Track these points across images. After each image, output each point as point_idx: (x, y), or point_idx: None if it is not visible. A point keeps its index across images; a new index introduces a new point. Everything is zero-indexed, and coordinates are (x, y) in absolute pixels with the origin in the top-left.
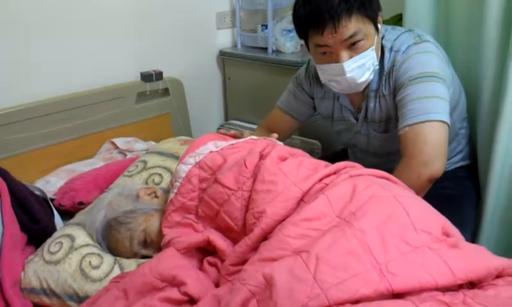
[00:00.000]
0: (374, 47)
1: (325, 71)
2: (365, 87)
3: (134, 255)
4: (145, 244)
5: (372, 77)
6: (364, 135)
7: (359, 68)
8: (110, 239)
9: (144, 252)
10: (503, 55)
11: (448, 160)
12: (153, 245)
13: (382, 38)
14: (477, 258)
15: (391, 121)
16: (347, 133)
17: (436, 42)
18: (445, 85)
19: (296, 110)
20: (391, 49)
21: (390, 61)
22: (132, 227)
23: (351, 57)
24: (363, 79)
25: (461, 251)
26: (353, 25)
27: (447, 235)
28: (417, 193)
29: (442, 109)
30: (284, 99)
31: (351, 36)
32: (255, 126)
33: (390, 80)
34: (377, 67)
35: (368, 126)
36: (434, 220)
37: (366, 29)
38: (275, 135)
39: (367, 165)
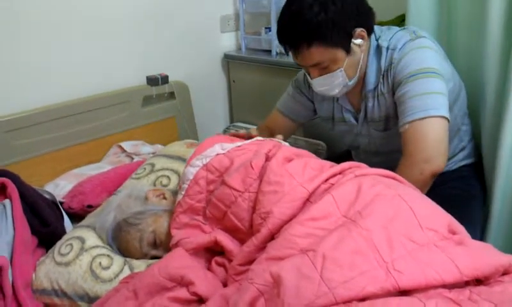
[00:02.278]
0: (342, 68)
1: (307, 77)
2: (362, 88)
3: (144, 256)
4: (155, 244)
5: (345, 90)
6: (365, 136)
7: (328, 84)
8: (120, 240)
9: (153, 252)
10: (506, 52)
11: (452, 158)
12: (163, 245)
13: (378, 39)
14: (484, 255)
15: (390, 119)
16: (349, 136)
17: (431, 37)
18: (443, 80)
19: (295, 112)
20: (387, 48)
21: (388, 60)
22: (141, 228)
23: (320, 74)
24: (333, 93)
25: (467, 248)
26: (315, 56)
27: (452, 232)
28: (421, 189)
29: (440, 104)
30: (283, 101)
31: (315, 65)
32: None
33: (388, 78)
34: (351, 83)
35: (369, 126)
36: (440, 218)
37: (332, 56)
38: (280, 136)
39: (371, 165)
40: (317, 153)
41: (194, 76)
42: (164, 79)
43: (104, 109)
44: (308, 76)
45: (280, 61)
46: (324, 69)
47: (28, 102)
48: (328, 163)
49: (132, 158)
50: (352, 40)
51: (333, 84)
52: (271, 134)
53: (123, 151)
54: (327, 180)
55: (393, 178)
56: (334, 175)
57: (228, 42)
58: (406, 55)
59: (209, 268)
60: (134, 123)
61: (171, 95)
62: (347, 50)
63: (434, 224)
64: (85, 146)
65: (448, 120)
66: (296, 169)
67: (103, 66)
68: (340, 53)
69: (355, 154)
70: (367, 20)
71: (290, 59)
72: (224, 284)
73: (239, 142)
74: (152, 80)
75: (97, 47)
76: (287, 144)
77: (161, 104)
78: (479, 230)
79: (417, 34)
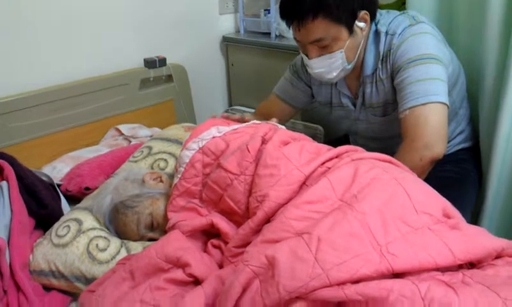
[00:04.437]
0: (343, 50)
1: (303, 59)
2: (360, 73)
3: (141, 238)
4: (152, 227)
5: (342, 74)
6: (363, 121)
7: (326, 66)
8: (117, 223)
9: (150, 235)
10: (506, 37)
11: (449, 141)
12: (160, 228)
13: (377, 23)
14: (477, 239)
15: (389, 105)
16: (347, 121)
17: (430, 23)
18: (443, 65)
19: (293, 97)
20: (386, 33)
21: (387, 45)
22: (138, 211)
23: (319, 54)
24: (330, 76)
25: (461, 232)
26: (319, 30)
27: (447, 216)
28: (419, 175)
29: (440, 90)
30: (281, 86)
31: (318, 40)
32: None
33: (387, 63)
34: (349, 66)
35: (367, 111)
36: (435, 202)
37: (335, 33)
38: (275, 119)
39: (369, 150)
40: (315, 137)
41: (193, 59)
42: (162, 62)
43: (102, 92)
44: (305, 57)
45: (279, 44)
46: (324, 48)
47: (25, 84)
48: (324, 147)
49: (130, 141)
50: (356, 22)
51: (331, 66)
52: (267, 119)
53: (121, 134)
54: (323, 163)
55: (390, 162)
56: (330, 159)
57: (226, 24)
58: (405, 40)
59: (205, 251)
60: (132, 105)
61: (169, 78)
62: (351, 30)
63: (429, 208)
64: (83, 128)
65: (447, 106)
66: (293, 152)
67: (100, 49)
68: (344, 32)
69: (353, 139)
70: (371, 5)
71: (289, 41)
72: (220, 266)
73: (236, 125)
74: (150, 63)
75: (95, 29)
76: (283, 127)
77: (159, 87)
78: (470, 213)
79: (416, 20)
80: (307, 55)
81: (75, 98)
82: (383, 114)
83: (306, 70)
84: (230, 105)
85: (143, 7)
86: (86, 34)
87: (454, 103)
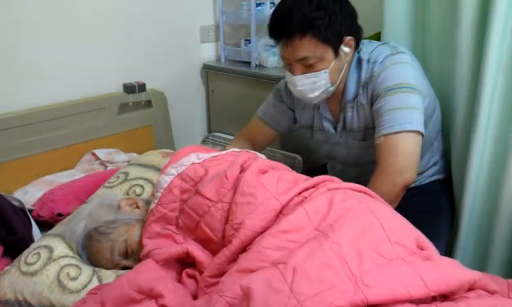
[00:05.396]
0: (328, 70)
1: (286, 77)
2: (342, 98)
3: (115, 266)
4: (126, 254)
5: (324, 95)
6: (343, 145)
7: (310, 84)
8: (90, 250)
9: (124, 262)
10: (475, 73)
11: (423, 173)
12: (134, 255)
13: (359, 51)
14: (450, 271)
15: (369, 130)
16: (326, 145)
17: (411, 53)
18: (420, 95)
19: (276, 121)
20: (368, 61)
21: (368, 72)
22: (113, 237)
23: (304, 72)
24: (312, 95)
25: (434, 263)
26: (306, 48)
27: (421, 248)
28: (393, 201)
29: (416, 119)
30: (264, 109)
31: (303, 59)
32: None
33: (367, 90)
34: (331, 88)
35: (347, 136)
36: (409, 233)
37: (321, 53)
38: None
39: (348, 176)
40: (294, 166)
41: (173, 85)
42: (141, 87)
43: (79, 116)
44: (289, 75)
45: (258, 73)
46: (310, 67)
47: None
48: (302, 176)
49: (106, 166)
50: (342, 46)
51: (315, 84)
52: (251, 142)
53: (97, 158)
54: (300, 193)
55: (365, 193)
56: (307, 189)
57: (207, 52)
58: (385, 69)
59: (180, 280)
60: (110, 130)
61: (148, 103)
62: (336, 52)
63: (403, 239)
64: (58, 152)
65: (422, 135)
66: (270, 181)
67: (79, 73)
68: (330, 53)
69: (331, 166)
70: (356, 33)
71: (268, 71)
72: (195, 297)
73: (215, 153)
74: (129, 88)
75: (74, 53)
76: (263, 156)
77: (138, 112)
78: (443, 245)
79: (397, 50)
80: (292, 73)
81: (52, 121)
82: (363, 138)
83: (290, 93)
84: (210, 131)
85: (123, 33)
86: (65, 58)
87: (429, 134)
